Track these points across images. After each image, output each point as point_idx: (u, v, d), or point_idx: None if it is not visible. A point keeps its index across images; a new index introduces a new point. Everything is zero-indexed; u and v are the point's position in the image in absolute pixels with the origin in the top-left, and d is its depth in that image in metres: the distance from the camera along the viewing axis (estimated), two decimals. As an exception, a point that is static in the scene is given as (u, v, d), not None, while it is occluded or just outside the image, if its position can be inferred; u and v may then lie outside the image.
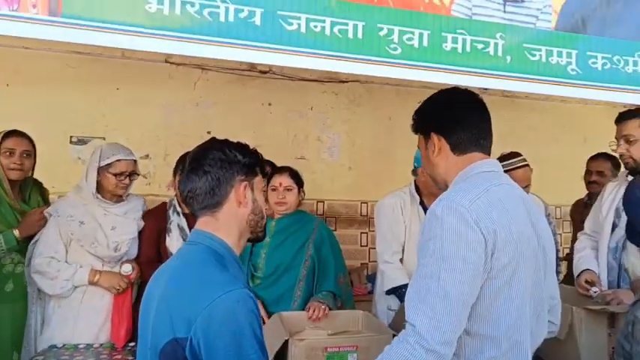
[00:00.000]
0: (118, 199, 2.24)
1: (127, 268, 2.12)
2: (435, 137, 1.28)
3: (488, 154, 1.29)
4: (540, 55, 1.41)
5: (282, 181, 2.23)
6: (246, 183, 1.15)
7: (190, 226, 2.24)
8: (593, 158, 3.15)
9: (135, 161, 2.23)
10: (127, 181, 2.17)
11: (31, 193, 2.31)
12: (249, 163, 1.16)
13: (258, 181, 1.19)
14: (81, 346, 1.94)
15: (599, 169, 3.07)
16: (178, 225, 2.27)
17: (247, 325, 0.98)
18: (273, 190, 2.21)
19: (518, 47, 1.42)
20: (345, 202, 4.12)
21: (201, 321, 0.95)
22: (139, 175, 2.27)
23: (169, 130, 3.65)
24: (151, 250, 2.24)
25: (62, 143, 3.50)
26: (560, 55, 1.42)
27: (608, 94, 1.53)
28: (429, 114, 1.33)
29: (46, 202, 2.37)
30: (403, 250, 2.40)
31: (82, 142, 3.55)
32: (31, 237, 2.12)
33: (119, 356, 1.84)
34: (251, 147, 1.21)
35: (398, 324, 1.94)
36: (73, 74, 3.50)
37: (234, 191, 1.13)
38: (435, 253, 1.09)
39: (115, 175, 2.14)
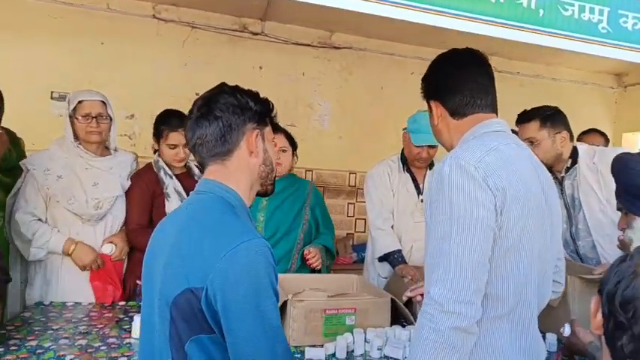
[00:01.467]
0: (103, 151, 2.09)
1: (108, 249, 2.00)
2: (433, 105, 1.28)
3: (493, 112, 1.26)
4: (573, 10, 1.37)
5: (278, 141, 2.17)
6: (258, 131, 1.09)
7: (185, 188, 2.16)
8: (585, 133, 3.18)
9: (103, 102, 2.04)
10: (94, 124, 1.99)
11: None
12: (261, 110, 1.10)
13: (269, 131, 1.14)
14: (69, 303, 1.89)
15: (593, 143, 3.12)
16: (175, 189, 2.15)
17: (265, 276, 0.94)
18: None
19: (552, 0, 1.37)
20: (334, 172, 4.10)
21: (218, 271, 0.91)
22: (111, 118, 2.07)
23: (156, 89, 3.51)
24: (143, 217, 2.10)
25: (43, 99, 3.35)
26: (592, 11, 1.38)
27: (637, 55, 1.50)
28: (426, 81, 1.32)
29: (21, 153, 2.16)
30: (393, 217, 2.40)
31: (63, 98, 3.37)
32: (8, 190, 1.98)
33: (110, 314, 1.79)
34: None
35: (390, 291, 1.95)
36: (54, 25, 3.32)
37: (245, 139, 1.07)
38: (444, 214, 1.07)
39: (80, 118, 1.98)
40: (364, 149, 3.99)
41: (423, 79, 1.34)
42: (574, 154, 2.04)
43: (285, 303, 1.58)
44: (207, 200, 1.04)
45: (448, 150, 1.31)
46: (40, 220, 1.96)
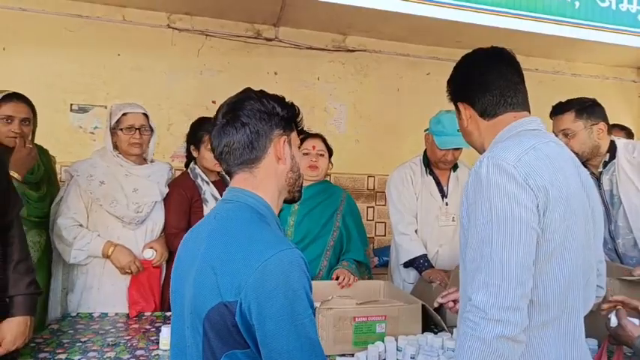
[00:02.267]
0: (142, 161, 2.14)
1: (149, 254, 2.01)
2: (461, 106, 1.24)
3: (526, 109, 1.22)
4: (610, 1, 1.32)
5: (316, 144, 2.17)
6: (285, 137, 1.06)
7: (221, 194, 2.16)
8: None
9: (145, 115, 2.11)
10: (137, 135, 2.05)
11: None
12: (288, 116, 1.07)
13: (295, 137, 1.11)
14: (95, 314, 1.88)
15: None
16: (212, 194, 2.18)
17: (301, 287, 0.90)
18: (306, 153, 2.13)
19: (589, -9, 1.31)
20: (352, 176, 4.06)
21: (253, 283, 0.87)
22: (153, 130, 2.14)
23: (172, 98, 3.53)
24: (181, 222, 2.13)
25: (62, 111, 3.38)
26: (630, 1, 1.33)
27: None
28: (452, 83, 1.29)
29: (53, 171, 2.25)
30: (417, 222, 2.35)
31: (82, 110, 3.43)
32: (51, 198, 2.04)
33: (136, 325, 1.79)
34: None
35: (417, 297, 1.90)
36: (71, 38, 3.35)
37: (273, 146, 1.04)
38: (484, 216, 1.02)
39: (124, 130, 2.03)
40: (382, 152, 3.95)
41: (449, 82, 1.30)
42: (612, 149, 1.96)
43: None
44: (236, 209, 1.01)
45: (480, 152, 1.26)
46: (80, 225, 2.00)
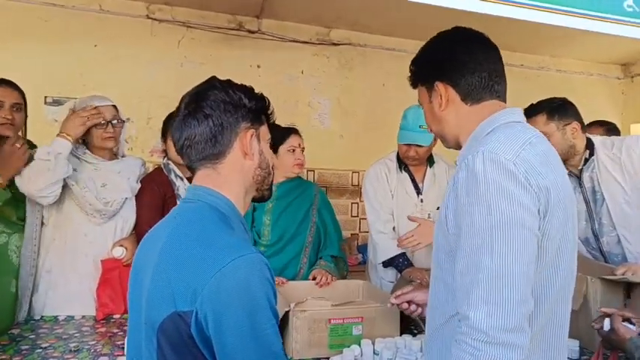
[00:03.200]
0: (112, 156, 2.04)
1: (119, 252, 1.90)
2: (440, 87, 1.07)
3: (505, 102, 1.09)
4: None
5: (301, 142, 2.11)
6: (253, 131, 0.98)
7: None
8: (588, 126, 3.08)
9: (114, 107, 2.01)
10: (110, 129, 1.95)
11: None
12: (256, 108, 0.99)
13: (265, 130, 1.03)
14: (61, 317, 1.80)
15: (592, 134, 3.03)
16: (186, 190, 2.09)
17: (262, 295, 0.83)
18: (292, 151, 2.06)
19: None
20: (336, 172, 4.00)
21: (209, 291, 0.79)
22: (124, 121, 2.03)
23: (152, 91, 3.44)
24: (154, 218, 1.96)
25: (36, 104, 3.23)
26: None
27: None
28: (429, 60, 1.11)
29: None
30: (394, 219, 2.29)
31: (57, 102, 3.32)
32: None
33: (103, 329, 1.71)
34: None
35: None
36: (46, 28, 3.24)
37: (239, 140, 0.96)
38: (481, 220, 0.88)
39: (96, 125, 1.93)
40: (367, 148, 3.88)
41: (421, 59, 1.13)
42: (589, 146, 1.94)
43: (286, 313, 1.49)
44: (196, 210, 0.94)
45: (449, 145, 1.14)
46: None
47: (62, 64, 3.27)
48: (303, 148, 2.13)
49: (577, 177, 1.96)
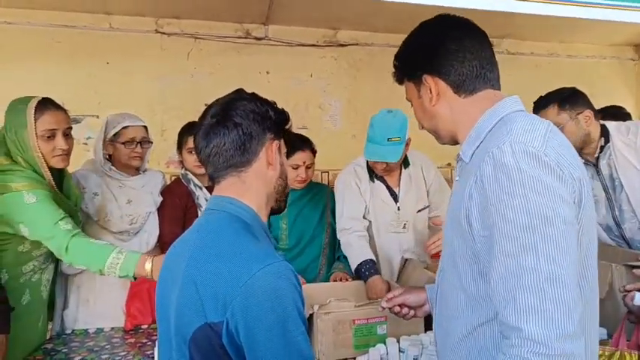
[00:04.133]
0: (135, 172, 2.09)
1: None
2: (428, 80, 1.00)
3: (500, 89, 1.02)
4: None
5: (306, 159, 2.08)
6: (277, 142, 1.01)
7: None
8: (601, 112, 3.05)
9: (145, 127, 2.07)
10: (138, 149, 2.00)
11: (67, 183, 1.83)
12: (279, 120, 1.02)
13: (283, 144, 1.06)
14: (91, 330, 1.85)
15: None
16: (205, 199, 2.13)
17: (291, 302, 0.84)
18: (295, 167, 2.06)
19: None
20: (351, 171, 4.00)
21: (239, 302, 0.81)
22: (151, 142, 2.09)
23: (164, 103, 3.50)
24: (176, 229, 2.03)
25: (53, 123, 3.34)
26: None
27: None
28: (414, 53, 1.04)
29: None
30: (372, 230, 2.11)
31: (75, 121, 3.37)
32: None
33: (132, 339, 1.75)
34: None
35: (412, 284, 1.81)
36: (59, 49, 3.32)
37: (264, 150, 0.99)
38: (519, 218, 0.80)
39: (125, 143, 1.98)
40: (379, 146, 3.90)
41: (403, 55, 1.07)
42: (604, 133, 1.91)
43: (310, 316, 1.51)
44: (220, 220, 0.96)
45: (443, 142, 1.07)
46: None
47: (76, 82, 3.34)
48: (311, 164, 2.08)
49: (594, 165, 1.94)
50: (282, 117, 1.04)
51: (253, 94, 1.03)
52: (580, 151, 1.92)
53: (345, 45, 3.92)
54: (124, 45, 3.43)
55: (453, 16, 1.04)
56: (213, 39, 3.62)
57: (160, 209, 2.11)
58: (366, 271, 1.87)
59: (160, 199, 2.12)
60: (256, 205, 1.00)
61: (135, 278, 1.59)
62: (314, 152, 2.17)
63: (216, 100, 1.02)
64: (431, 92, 1.01)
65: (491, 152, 0.86)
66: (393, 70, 1.11)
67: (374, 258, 1.96)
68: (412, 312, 1.36)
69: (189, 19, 3.53)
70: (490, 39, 1.05)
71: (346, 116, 3.98)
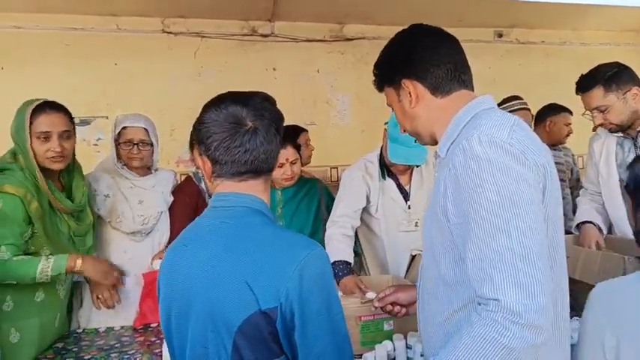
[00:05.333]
0: (146, 171, 2.10)
1: (158, 265, 1.93)
2: (407, 84, 1.07)
3: (473, 91, 1.09)
4: None
5: (289, 156, 2.05)
6: (282, 151, 1.09)
7: None
8: None
9: (145, 129, 2.04)
10: (135, 150, 1.99)
11: (75, 183, 1.85)
12: (283, 134, 1.10)
13: None
14: (101, 329, 1.87)
15: None
16: None
17: (334, 284, 0.95)
18: (280, 166, 2.03)
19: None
20: (360, 166, 3.99)
21: (292, 286, 0.88)
22: (151, 145, 2.06)
23: (173, 103, 3.51)
24: None
25: (64, 125, 3.38)
26: None
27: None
28: (392, 60, 1.11)
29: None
30: (381, 231, 2.09)
31: (85, 122, 3.43)
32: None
33: (141, 337, 1.77)
34: None
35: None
36: (67, 52, 3.36)
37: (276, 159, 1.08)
38: (490, 202, 0.86)
39: (122, 144, 2.00)
40: (389, 140, 3.88)
41: (384, 61, 1.13)
42: None
43: (317, 313, 1.50)
44: (246, 214, 0.99)
45: (424, 142, 1.14)
46: None
47: (85, 84, 3.38)
48: (295, 160, 2.06)
49: (633, 138, 1.92)
50: (286, 132, 1.14)
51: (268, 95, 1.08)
52: (627, 128, 1.88)
53: (352, 39, 3.90)
54: (131, 46, 3.46)
55: (426, 26, 1.12)
56: (220, 37, 3.62)
57: (171, 208, 2.12)
58: (339, 271, 1.84)
59: (171, 198, 2.13)
60: (266, 201, 1.06)
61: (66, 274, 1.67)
62: (297, 147, 2.13)
63: (248, 102, 1.00)
64: (410, 95, 1.07)
65: (462, 144, 0.94)
66: (374, 78, 1.17)
67: (351, 261, 1.92)
68: (404, 310, 1.42)
69: (195, 17, 3.54)
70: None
71: (354, 111, 3.96)
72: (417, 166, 2.09)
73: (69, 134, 1.76)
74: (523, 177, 0.88)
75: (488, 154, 0.89)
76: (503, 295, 0.82)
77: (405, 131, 1.16)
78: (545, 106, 3.18)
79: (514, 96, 2.90)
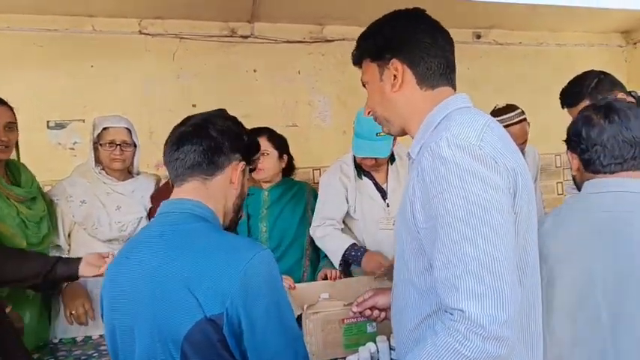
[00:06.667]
0: (126, 176, 2.06)
1: None
2: (397, 65, 0.98)
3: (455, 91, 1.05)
4: None
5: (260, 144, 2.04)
6: (243, 164, 1.07)
7: None
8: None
9: (128, 130, 2.01)
10: (117, 151, 1.95)
11: (23, 177, 1.86)
12: (250, 146, 1.10)
13: (247, 169, 1.12)
14: (79, 338, 1.83)
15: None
16: None
17: (281, 285, 0.95)
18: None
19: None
20: (342, 168, 3.99)
21: (237, 290, 0.86)
22: (135, 145, 2.04)
23: (151, 106, 3.45)
24: None
25: (39, 129, 3.30)
26: None
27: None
28: (386, 35, 1.01)
29: (38, 187, 2.00)
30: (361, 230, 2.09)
31: (60, 126, 3.35)
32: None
33: (121, 346, 1.73)
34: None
35: None
36: (41, 53, 3.27)
37: (231, 166, 1.04)
38: (456, 209, 0.83)
39: (104, 145, 1.95)
40: (370, 141, 3.88)
41: (371, 35, 1.05)
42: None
43: (299, 317, 1.49)
44: (187, 220, 0.97)
45: (390, 131, 1.07)
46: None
47: (61, 87, 3.30)
48: (265, 152, 2.03)
49: None
50: (254, 145, 1.12)
51: (234, 117, 1.11)
52: None
53: (332, 40, 3.89)
54: (107, 47, 3.39)
55: (428, 15, 1.06)
56: (199, 38, 3.58)
57: (150, 215, 2.08)
58: (355, 253, 1.86)
59: (150, 204, 2.08)
60: (216, 211, 1.03)
61: None
62: (275, 141, 2.11)
63: (200, 114, 1.08)
64: (395, 78, 1.00)
65: (430, 147, 0.90)
66: (356, 48, 1.10)
67: (356, 242, 1.95)
68: (383, 314, 1.39)
69: (173, 18, 3.49)
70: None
71: (336, 112, 3.95)
72: (392, 163, 2.08)
73: (13, 126, 1.83)
74: (493, 182, 0.85)
75: (456, 157, 0.85)
76: (467, 306, 0.80)
77: (369, 113, 1.07)
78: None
79: (510, 105, 2.58)
